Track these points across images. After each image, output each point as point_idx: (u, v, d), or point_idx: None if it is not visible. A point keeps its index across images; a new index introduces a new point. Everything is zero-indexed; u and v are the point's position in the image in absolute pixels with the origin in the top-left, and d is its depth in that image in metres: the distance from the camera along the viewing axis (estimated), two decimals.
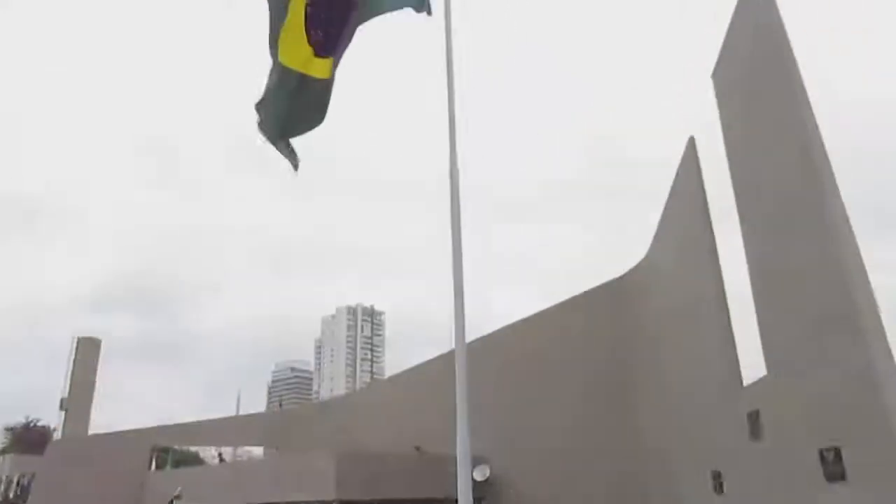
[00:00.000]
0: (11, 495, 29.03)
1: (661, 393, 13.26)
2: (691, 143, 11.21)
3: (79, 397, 31.31)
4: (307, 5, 5.24)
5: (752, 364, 10.19)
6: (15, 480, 25.22)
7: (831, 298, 6.94)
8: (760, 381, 9.28)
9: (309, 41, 5.32)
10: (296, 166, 5.51)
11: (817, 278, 7.22)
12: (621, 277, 15.90)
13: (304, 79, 5.31)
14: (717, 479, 10.70)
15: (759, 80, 8.59)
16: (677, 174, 11.96)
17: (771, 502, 8.80)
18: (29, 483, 23.20)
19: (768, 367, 8.62)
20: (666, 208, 13.14)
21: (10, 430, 49.07)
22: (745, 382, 10.00)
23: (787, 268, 8.03)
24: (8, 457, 33.35)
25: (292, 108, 5.37)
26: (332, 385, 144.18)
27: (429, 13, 5.93)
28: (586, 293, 16.64)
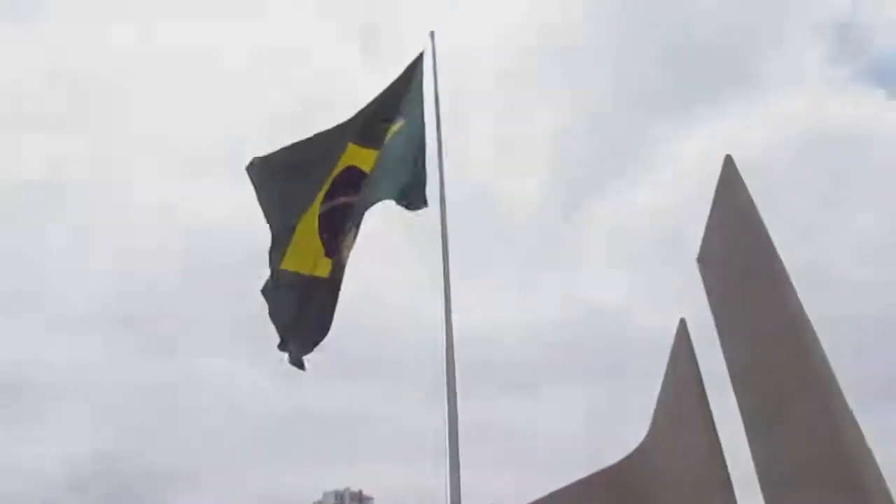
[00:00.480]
0: None
1: None
2: (682, 325, 11.42)
3: None
4: (320, 215, 5.63)
5: None
6: None
7: (838, 481, 6.80)
8: None
9: (322, 243, 5.65)
10: (302, 366, 5.60)
11: (823, 470, 7.12)
12: (621, 462, 15.38)
13: (312, 281, 5.56)
14: None
15: (741, 266, 9.02)
16: (671, 356, 12.06)
17: None
18: None
19: None
20: (662, 390, 13.09)
21: None
22: None
23: (791, 458, 7.92)
24: None
25: (302, 313, 5.56)
26: None
27: (425, 205, 6.34)
28: (588, 478, 15.94)
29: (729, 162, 9.21)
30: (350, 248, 5.94)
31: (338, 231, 5.85)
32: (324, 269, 5.75)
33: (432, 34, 9.36)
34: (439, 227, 6.54)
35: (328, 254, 5.66)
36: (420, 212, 6.57)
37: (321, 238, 5.69)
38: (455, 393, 5.74)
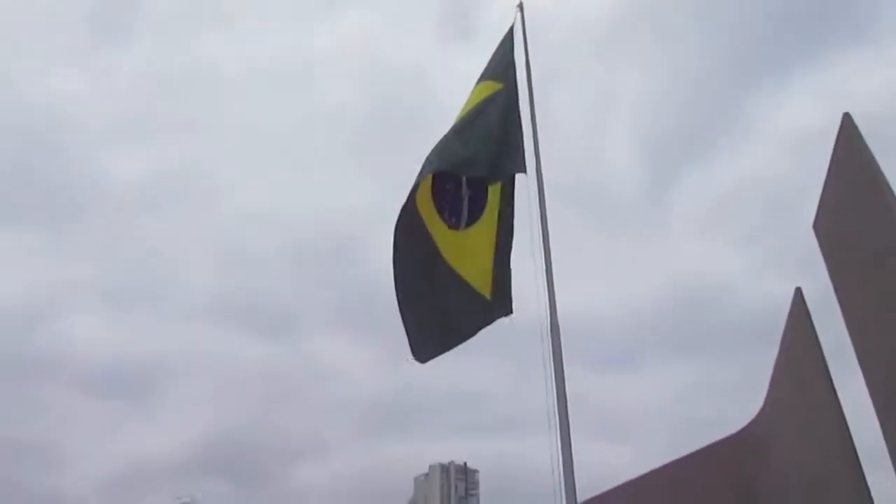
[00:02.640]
0: None
1: None
2: (799, 294, 10.99)
3: None
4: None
5: None
6: None
7: None
8: None
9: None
10: (423, 361, 5.71)
11: None
12: (738, 433, 15.05)
13: (465, 290, 5.66)
14: None
15: (863, 231, 8.54)
16: (786, 326, 11.64)
17: None
18: None
19: None
20: (777, 362, 12.66)
21: None
22: None
23: None
24: None
25: (447, 313, 5.64)
26: None
27: (524, 170, 6.24)
28: (702, 451, 15.73)
29: (847, 121, 8.68)
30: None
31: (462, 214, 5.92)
32: (485, 285, 5.81)
33: (521, 6, 9.31)
34: (536, 199, 6.53)
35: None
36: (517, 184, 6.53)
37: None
38: (562, 366, 5.80)
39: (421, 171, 5.71)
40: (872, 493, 9.17)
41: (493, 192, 6.10)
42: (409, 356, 5.84)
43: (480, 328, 6.01)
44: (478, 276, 5.87)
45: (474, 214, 6.13)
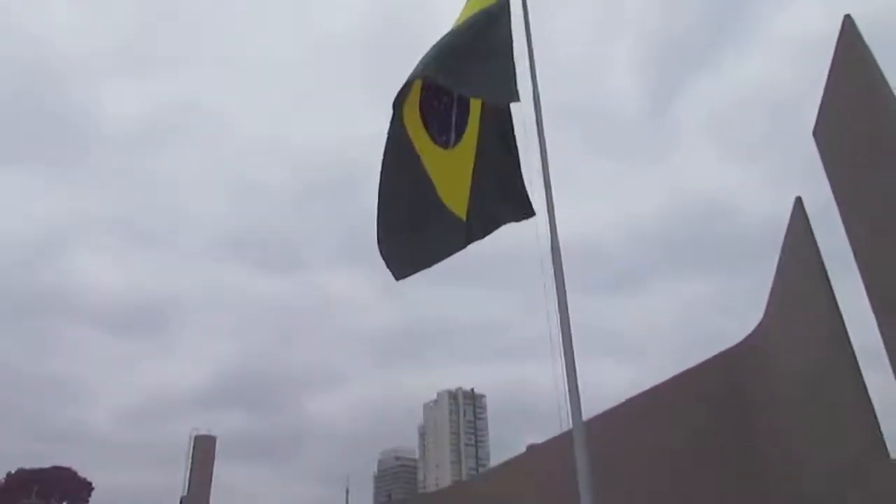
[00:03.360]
0: None
1: (792, 475, 12.46)
2: (799, 203, 10.96)
3: (197, 495, 32.23)
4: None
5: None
6: None
7: None
8: None
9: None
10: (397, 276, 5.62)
11: None
12: (737, 346, 15.30)
13: (443, 211, 5.55)
14: None
15: (865, 136, 8.43)
16: (787, 236, 11.66)
17: None
18: None
19: None
20: (777, 272, 12.75)
21: None
22: (893, 455, 9.34)
23: None
24: None
25: (423, 234, 5.54)
26: (437, 473, 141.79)
27: (517, 99, 6.01)
28: (700, 366, 16.06)
29: (848, 23, 8.43)
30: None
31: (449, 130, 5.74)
32: (461, 207, 5.68)
33: None
34: (533, 123, 6.36)
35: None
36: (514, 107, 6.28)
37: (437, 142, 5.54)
38: (564, 289, 5.80)
39: (410, 77, 5.51)
40: (870, 392, 9.37)
41: (475, 110, 5.91)
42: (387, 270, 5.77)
43: (457, 250, 5.94)
44: (455, 197, 5.77)
45: (459, 133, 5.98)
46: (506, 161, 6.05)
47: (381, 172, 5.56)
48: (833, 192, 9.35)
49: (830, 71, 8.93)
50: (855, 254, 8.87)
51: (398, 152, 5.61)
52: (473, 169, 5.88)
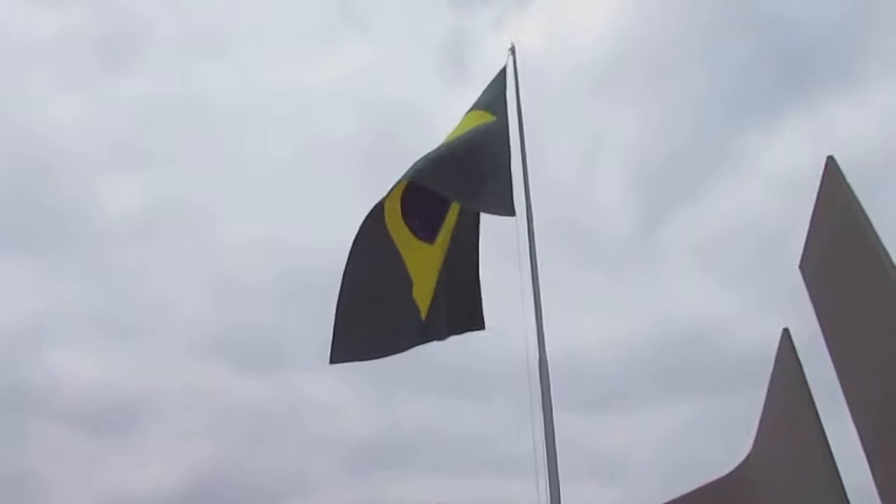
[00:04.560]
0: None
1: None
2: (786, 335, 11.01)
3: None
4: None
5: None
6: None
7: None
8: None
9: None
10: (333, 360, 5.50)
11: None
12: (726, 476, 14.91)
13: (409, 307, 5.58)
14: None
15: (848, 273, 8.60)
16: (775, 367, 11.64)
17: None
18: None
19: None
20: (766, 403, 12.63)
21: None
22: None
23: None
24: None
25: (383, 321, 5.52)
26: None
27: (513, 213, 6.09)
28: (690, 495, 15.57)
29: (831, 163, 8.81)
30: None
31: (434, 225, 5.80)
32: (424, 305, 5.71)
33: (513, 49, 9.26)
34: (525, 239, 6.47)
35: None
36: (504, 221, 6.38)
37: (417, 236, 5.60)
38: (550, 405, 5.73)
39: (400, 178, 5.66)
40: None
41: (452, 213, 6.04)
42: (327, 352, 5.64)
43: (408, 348, 5.88)
44: (421, 294, 5.79)
45: (436, 232, 6.07)
46: (469, 270, 6.12)
47: (350, 257, 5.58)
48: (821, 327, 9.43)
49: (814, 209, 9.24)
50: (844, 391, 8.84)
51: (372, 241, 5.67)
52: (440, 270, 5.93)
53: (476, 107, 6.88)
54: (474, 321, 6.06)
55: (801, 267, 9.94)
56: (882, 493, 8.08)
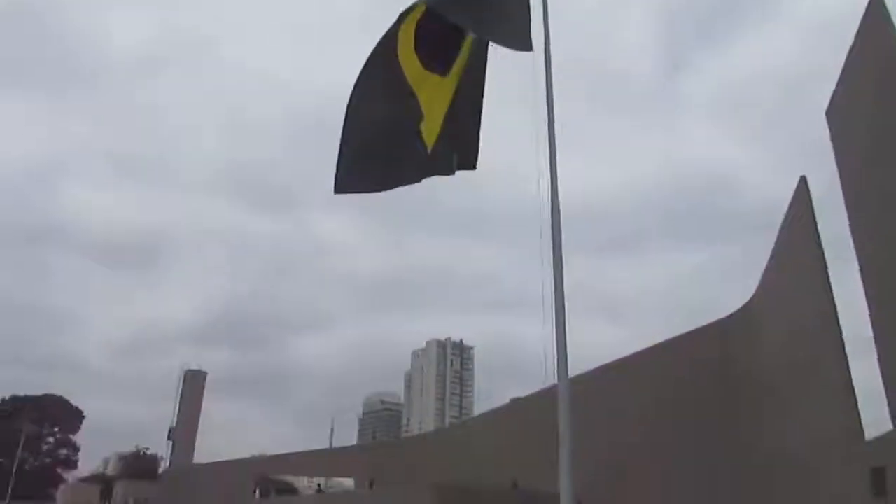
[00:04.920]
0: None
1: (771, 446, 12.66)
2: (803, 183, 10.84)
3: (186, 428, 32.78)
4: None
5: (876, 417, 9.66)
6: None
7: None
8: (886, 435, 8.77)
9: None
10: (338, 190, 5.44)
11: None
12: (728, 317, 15.39)
13: (414, 139, 5.40)
14: None
15: (882, 117, 8.25)
16: (787, 214, 11.57)
17: None
18: None
19: (895, 420, 8.14)
20: (775, 250, 12.70)
21: (122, 458, 51.87)
22: (868, 437, 9.48)
23: None
24: (121, 482, 35.23)
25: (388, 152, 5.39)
26: (421, 419, 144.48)
27: (530, 48, 5.81)
28: (691, 333, 16.19)
29: (876, 3, 8.18)
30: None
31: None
32: (431, 138, 5.51)
33: None
34: (542, 78, 6.18)
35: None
36: (520, 58, 6.07)
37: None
38: (560, 245, 5.70)
39: (416, 3, 5.33)
40: (855, 378, 9.46)
41: (465, 46, 5.73)
42: (332, 182, 5.55)
43: (413, 181, 5.78)
44: (429, 126, 5.60)
45: (449, 66, 5.79)
46: (475, 107, 5.92)
47: (358, 82, 5.39)
48: (840, 174, 9.23)
49: (851, 51, 8.72)
50: (854, 241, 8.81)
51: (382, 68, 5.45)
52: (450, 103, 5.73)
53: None
54: (470, 160, 5.95)
55: (827, 112, 9.57)
56: (879, 340, 8.28)
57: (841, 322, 10.09)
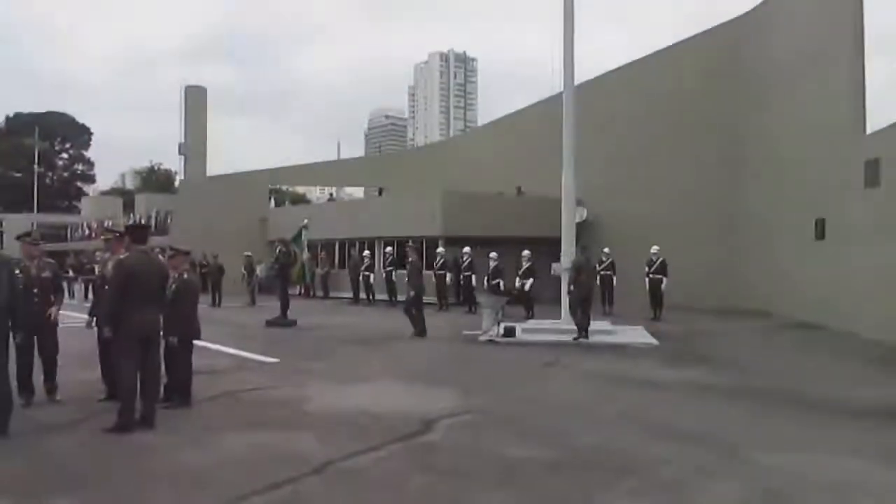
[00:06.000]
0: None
1: (773, 142, 12.92)
2: None
3: (194, 143, 33.35)
4: None
5: (880, 112, 9.74)
6: (153, 215, 27.96)
7: None
8: (887, 128, 8.89)
9: None
10: None
11: None
12: (741, 17, 14.72)
13: None
14: (820, 226, 10.72)
15: None
16: None
17: (872, 243, 8.93)
18: (165, 218, 25.67)
19: None
20: None
21: (138, 173, 53.54)
22: (870, 130, 9.63)
23: None
24: (142, 196, 36.84)
25: None
26: (426, 132, 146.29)
27: None
28: (702, 34, 15.61)
29: None
30: None
31: None
32: None
33: None
34: None
35: None
36: None
37: None
38: None
39: None
40: (870, 75, 9.35)
41: None
42: None
43: None
44: None
45: None
46: None
47: None
48: None
49: None
50: None
51: None
52: None
53: None
54: None
55: None
56: None
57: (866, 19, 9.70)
